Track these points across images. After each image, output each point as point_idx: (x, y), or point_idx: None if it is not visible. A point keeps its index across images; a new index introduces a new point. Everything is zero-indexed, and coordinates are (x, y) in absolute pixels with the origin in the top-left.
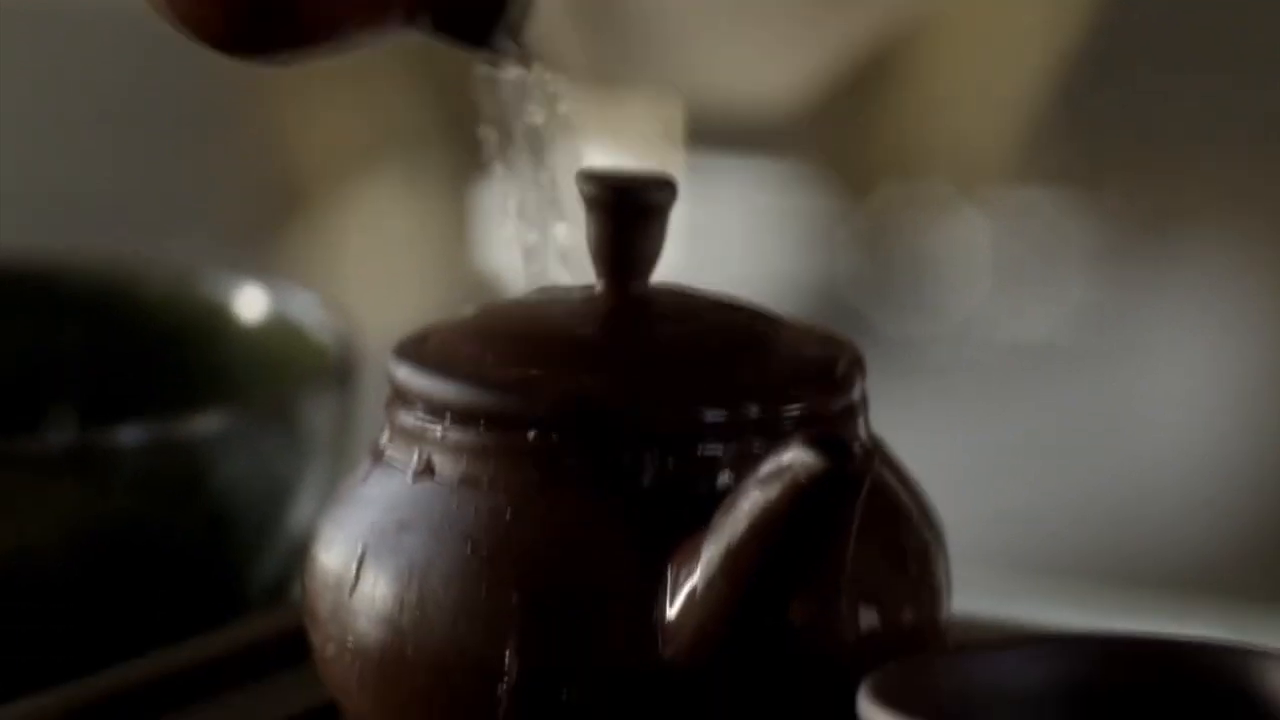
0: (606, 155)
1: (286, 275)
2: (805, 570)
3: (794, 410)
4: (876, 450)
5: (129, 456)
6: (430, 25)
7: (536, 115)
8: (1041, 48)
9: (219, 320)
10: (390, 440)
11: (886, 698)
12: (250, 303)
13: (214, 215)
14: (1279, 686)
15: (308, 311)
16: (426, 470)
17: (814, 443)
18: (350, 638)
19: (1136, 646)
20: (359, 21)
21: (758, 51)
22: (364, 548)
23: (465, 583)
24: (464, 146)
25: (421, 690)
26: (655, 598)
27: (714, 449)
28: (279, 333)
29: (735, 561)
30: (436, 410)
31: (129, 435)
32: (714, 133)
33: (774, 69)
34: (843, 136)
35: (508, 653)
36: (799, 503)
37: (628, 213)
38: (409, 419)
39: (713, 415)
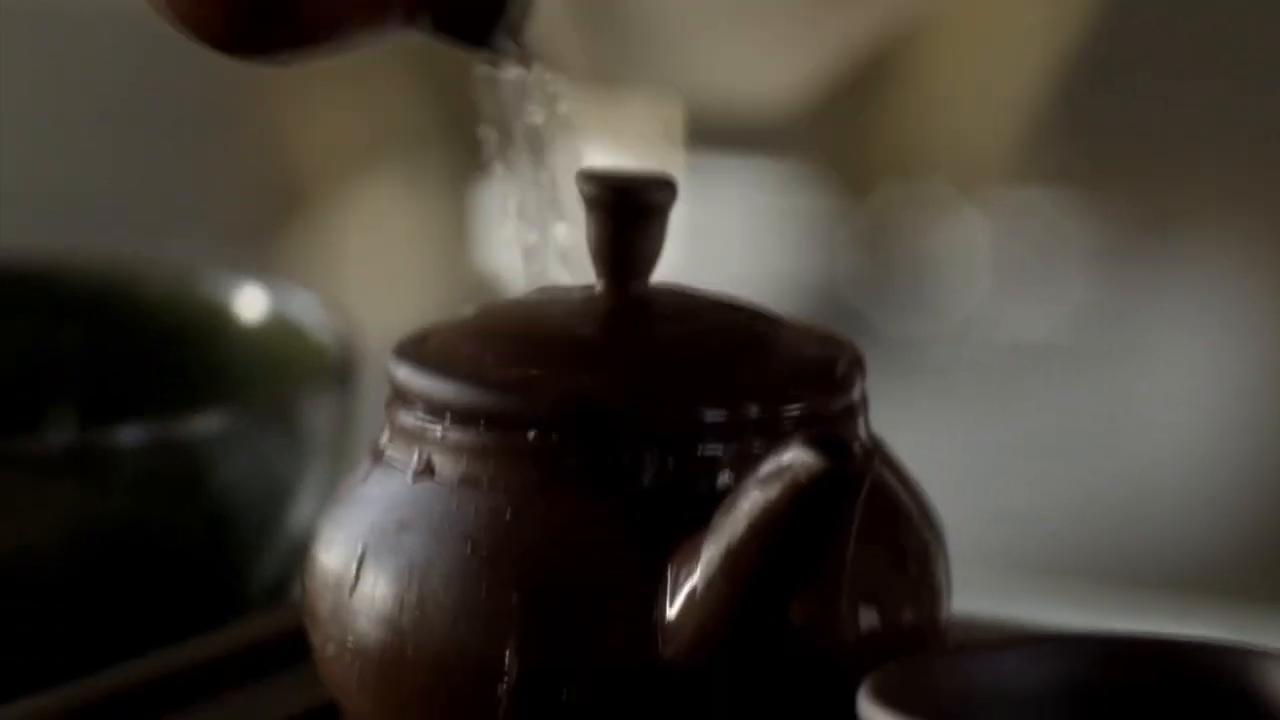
0: (606, 155)
1: (286, 275)
2: (805, 570)
3: (794, 410)
4: (876, 450)
5: (129, 456)
6: (430, 25)
7: (536, 115)
8: (1041, 48)
9: (219, 320)
10: (390, 440)
11: (886, 698)
12: (250, 303)
13: (214, 215)
14: (1279, 686)
15: (308, 311)
16: (426, 470)
17: (814, 443)
18: (350, 638)
19: (1136, 646)
20: (359, 21)
21: (758, 51)
22: (364, 548)
23: (465, 583)
24: (464, 146)
25: (421, 690)
26: (655, 598)
27: (714, 449)
28: (279, 333)
29: (735, 561)
30: (436, 410)
31: (129, 435)
32: (714, 133)
33: (774, 69)
34: (843, 136)
35: (508, 653)
36: (799, 503)
37: (628, 213)
38: (409, 419)
39: (713, 415)
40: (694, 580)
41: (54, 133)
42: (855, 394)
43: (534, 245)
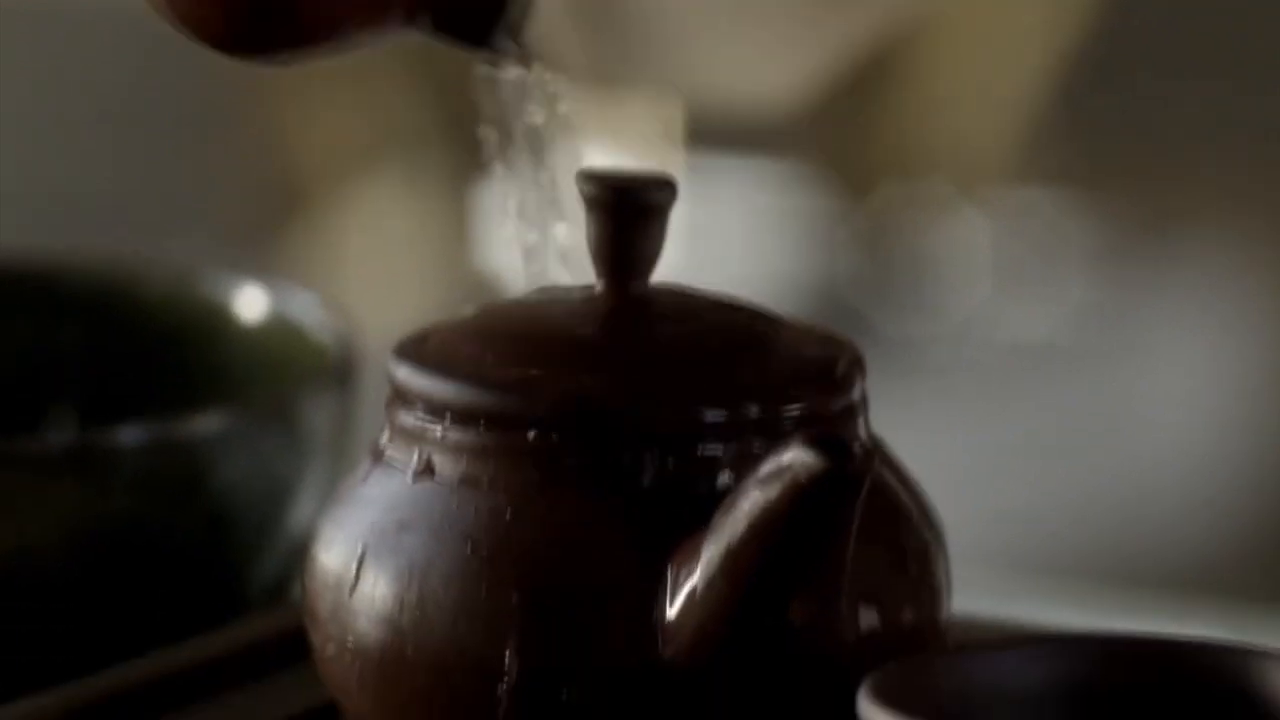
0: (606, 155)
1: (286, 275)
2: (805, 570)
3: (794, 410)
4: (876, 450)
5: (129, 456)
6: (430, 25)
7: (536, 115)
8: (1041, 48)
9: (219, 320)
10: (390, 440)
11: (886, 698)
12: (250, 303)
13: (214, 215)
14: (1279, 686)
15: (308, 311)
16: (426, 470)
17: (814, 443)
18: (350, 638)
19: (1136, 646)
20: (359, 21)
21: (758, 51)
22: (364, 548)
23: (465, 583)
24: (464, 146)
25: (421, 690)
26: (655, 598)
27: (714, 449)
28: (279, 333)
29: (735, 561)
30: (436, 410)
31: (129, 435)
32: (714, 133)
33: (774, 69)
34: (843, 136)
35: (508, 653)
36: (799, 503)
37: (628, 213)
38: (409, 419)
39: (713, 415)
40: (694, 580)
41: (54, 133)
42: (855, 394)
43: (534, 245)
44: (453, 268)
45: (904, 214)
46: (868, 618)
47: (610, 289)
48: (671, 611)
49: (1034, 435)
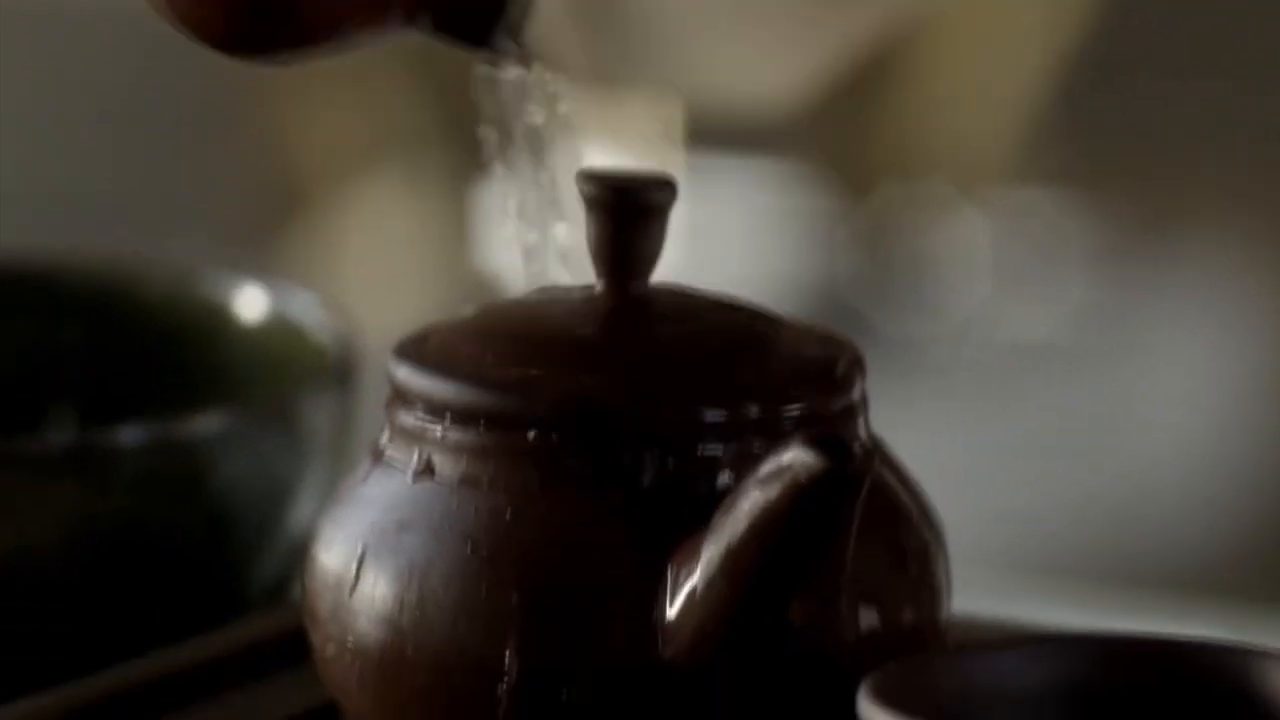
0: (606, 155)
1: (286, 275)
2: (805, 570)
3: (794, 410)
4: (876, 450)
5: (129, 456)
6: (430, 25)
7: (536, 115)
8: (1041, 48)
9: (219, 320)
10: (390, 440)
11: (886, 698)
12: (250, 303)
13: (214, 215)
14: (1279, 686)
15: (308, 311)
16: (426, 470)
17: (814, 443)
18: (350, 638)
19: (1136, 646)
20: (359, 21)
21: (758, 51)
22: (364, 548)
23: (465, 583)
24: (464, 146)
25: (421, 690)
26: (655, 598)
27: (714, 449)
28: (279, 333)
29: (735, 561)
30: (436, 410)
31: (129, 435)
32: (714, 133)
33: (774, 69)
34: (843, 136)
35: (508, 653)
36: (799, 503)
37: (628, 213)
38: (409, 419)
39: (713, 415)
40: (694, 580)
41: (54, 133)
42: (855, 394)
43: (534, 245)
44: (453, 268)
45: (904, 214)
46: (868, 618)
47: (610, 289)
48: (671, 611)
49: (1034, 435)
